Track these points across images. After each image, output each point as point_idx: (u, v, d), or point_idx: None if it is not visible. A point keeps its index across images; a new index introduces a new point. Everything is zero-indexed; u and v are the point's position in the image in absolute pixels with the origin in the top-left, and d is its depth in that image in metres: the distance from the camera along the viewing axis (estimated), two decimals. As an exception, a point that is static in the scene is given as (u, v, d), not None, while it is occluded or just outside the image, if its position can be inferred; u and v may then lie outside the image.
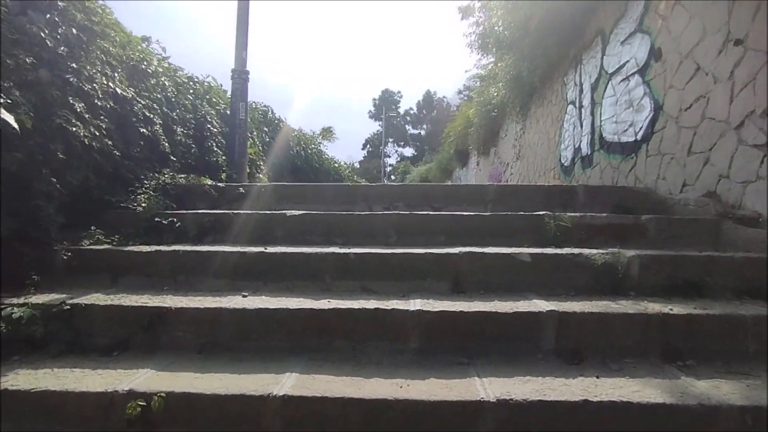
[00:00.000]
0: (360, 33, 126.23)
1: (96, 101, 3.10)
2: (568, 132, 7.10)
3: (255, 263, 2.71)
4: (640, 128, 4.75)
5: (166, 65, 4.55)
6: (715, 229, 2.99)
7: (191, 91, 4.72)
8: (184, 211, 3.35)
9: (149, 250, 2.80)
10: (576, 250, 2.70)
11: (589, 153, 6.19)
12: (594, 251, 2.68)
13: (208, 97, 5.25)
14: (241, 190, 3.66)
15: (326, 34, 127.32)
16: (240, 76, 4.99)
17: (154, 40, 4.53)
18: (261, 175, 6.31)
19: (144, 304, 2.30)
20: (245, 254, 2.73)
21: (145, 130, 3.63)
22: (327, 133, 22.25)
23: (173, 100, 4.21)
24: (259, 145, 6.51)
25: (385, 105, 68.57)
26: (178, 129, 4.19)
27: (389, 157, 71.55)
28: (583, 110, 6.51)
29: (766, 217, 2.92)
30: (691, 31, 3.93)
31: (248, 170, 6.01)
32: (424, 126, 69.97)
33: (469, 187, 3.64)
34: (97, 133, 3.09)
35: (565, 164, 7.14)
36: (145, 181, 3.56)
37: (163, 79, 4.11)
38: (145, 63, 3.86)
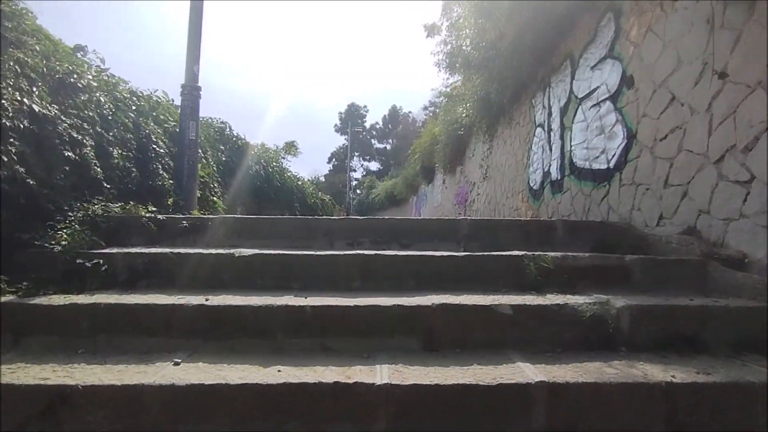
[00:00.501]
0: (327, 45, 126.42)
1: (4, 121, 2.61)
2: (537, 155, 7.00)
3: (194, 318, 2.28)
4: (613, 156, 4.63)
5: (106, 78, 4.06)
6: (701, 271, 2.80)
7: (134, 107, 4.23)
8: (115, 250, 2.87)
9: (63, 302, 2.32)
10: (560, 300, 2.42)
11: (559, 178, 6.07)
12: (580, 300, 2.42)
13: (155, 113, 4.76)
14: (185, 223, 3.20)
15: (294, 45, 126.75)
16: (191, 92, 4.54)
17: (91, 50, 4.04)
18: (215, 198, 5.83)
19: (43, 381, 1.84)
20: (182, 307, 2.30)
21: (71, 154, 3.13)
22: (291, 148, 21.70)
23: (110, 118, 3.72)
24: (214, 166, 6.03)
25: (351, 119, 68.52)
26: (115, 151, 3.69)
27: (355, 171, 71.33)
28: (552, 134, 6.41)
29: (754, 259, 2.76)
30: (665, 59, 3.83)
31: (201, 193, 5.52)
32: (390, 141, 70.34)
33: (440, 222, 3.32)
34: (5, 159, 2.59)
35: (534, 188, 7.02)
36: (70, 213, 3.06)
37: (98, 94, 3.62)
38: (75, 76, 3.37)
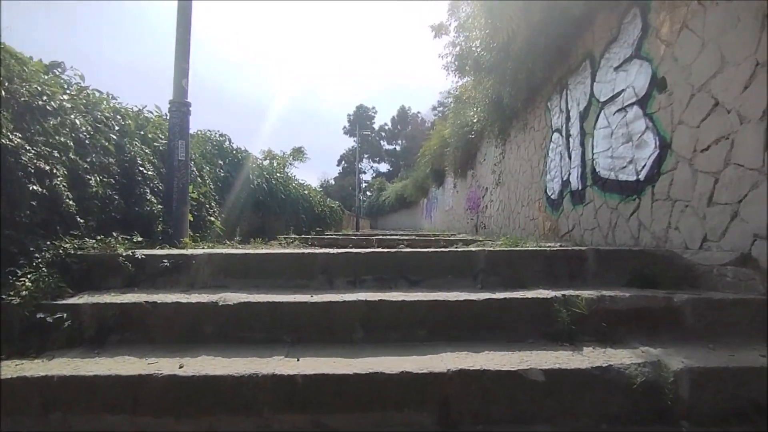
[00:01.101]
0: (335, 46, 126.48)
1: (-49, 158, 2.28)
2: (554, 162, 6.55)
3: (164, 392, 1.92)
4: (643, 167, 4.18)
5: (86, 96, 3.73)
6: (766, 313, 2.36)
7: (117, 128, 3.90)
8: (83, 300, 2.52)
9: (11, 374, 1.97)
10: (602, 359, 2.01)
11: (580, 188, 5.62)
12: (626, 359, 2.01)
13: (142, 132, 4.43)
14: (166, 263, 2.85)
15: (302, 46, 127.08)
16: (179, 109, 4.19)
17: (69, 66, 3.72)
18: (212, 218, 5.49)
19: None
20: (151, 379, 1.93)
21: (38, 187, 2.79)
22: (298, 153, 21.56)
23: (87, 142, 3.38)
24: (211, 184, 5.69)
25: (360, 121, 68.36)
26: (93, 178, 3.36)
27: (364, 173, 71.23)
28: (571, 140, 5.96)
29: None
30: (705, 59, 3.38)
31: (197, 214, 5.19)
32: (399, 141, 70.04)
33: (454, 255, 2.92)
34: (-47, 201, 2.26)
35: (552, 197, 6.57)
36: (37, 255, 2.72)
37: (72, 116, 3.29)
38: (44, 98, 3.04)
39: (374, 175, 70.26)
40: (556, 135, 6.58)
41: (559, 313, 2.34)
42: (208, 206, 5.38)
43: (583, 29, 5.53)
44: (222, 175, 6.25)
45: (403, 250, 2.91)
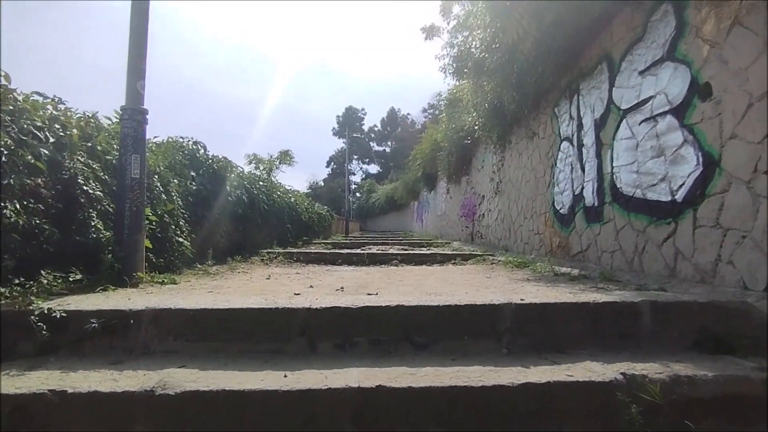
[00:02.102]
0: (323, 47, 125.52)
1: None
2: (564, 173, 5.96)
3: None
4: (681, 186, 3.59)
5: (9, 101, 3.02)
6: None
7: (53, 140, 3.19)
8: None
9: None
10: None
11: (596, 204, 5.02)
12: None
13: (90, 144, 3.71)
14: (95, 323, 2.16)
15: (288, 48, 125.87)
16: (133, 117, 3.49)
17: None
18: (181, 239, 4.78)
19: None
20: None
21: None
22: (285, 157, 20.72)
23: (2, 160, 2.68)
24: (179, 200, 4.97)
25: (349, 122, 67.68)
26: (10, 206, 2.65)
27: (354, 174, 70.60)
28: (584, 150, 5.37)
29: None
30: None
31: (163, 235, 4.47)
32: (389, 143, 69.59)
33: (472, 309, 2.27)
34: None
35: (562, 211, 5.98)
36: None
37: (-16, 130, 2.57)
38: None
39: (364, 176, 69.60)
40: (565, 144, 5.99)
41: (623, 403, 1.71)
42: (174, 226, 4.66)
43: (599, 29, 4.95)
44: (194, 188, 5.53)
45: (404, 304, 2.25)
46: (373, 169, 71.48)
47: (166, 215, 4.51)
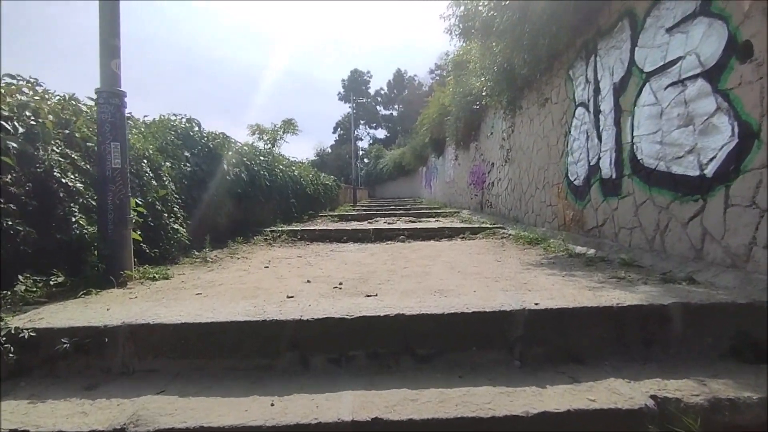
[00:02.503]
0: (327, 8, 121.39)
1: None
2: (579, 142, 5.58)
3: None
4: (712, 159, 3.25)
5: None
6: None
7: (22, 129, 2.93)
8: None
9: None
10: None
11: (613, 176, 4.69)
12: None
13: (68, 131, 3.45)
14: (66, 343, 1.98)
15: (294, 11, 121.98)
16: (108, 100, 3.20)
17: None
18: (177, 226, 4.58)
19: None
20: None
21: None
22: (289, 126, 20.37)
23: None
24: (172, 184, 4.74)
25: (354, 86, 66.15)
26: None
27: (361, 140, 69.72)
28: (601, 117, 4.98)
29: None
30: (826, 18, 2.40)
31: (157, 223, 4.28)
32: (396, 106, 68.23)
33: (480, 317, 2.03)
34: None
35: (576, 183, 5.65)
36: None
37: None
38: None
39: (371, 141, 68.67)
40: (580, 110, 5.58)
41: (654, 436, 1.49)
42: (168, 213, 4.45)
43: (620, -20, 4.46)
44: (189, 170, 5.27)
45: (405, 313, 2.02)
46: (381, 133, 70.37)
47: (158, 202, 4.29)
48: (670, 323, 2.01)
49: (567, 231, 5.82)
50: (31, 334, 1.99)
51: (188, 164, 5.36)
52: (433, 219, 10.94)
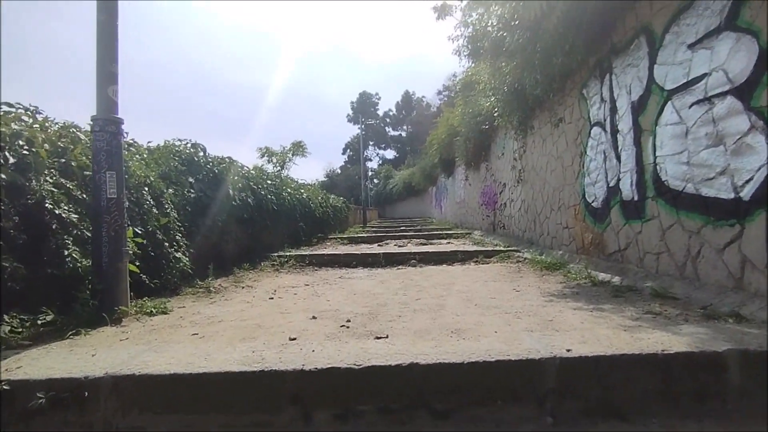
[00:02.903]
0: (335, 32, 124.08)
1: None
2: (596, 163, 5.36)
3: None
4: (748, 181, 3.01)
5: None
6: None
7: (14, 160, 2.80)
8: None
9: None
10: None
11: (635, 198, 4.45)
12: None
13: (64, 160, 3.33)
14: (41, 399, 1.78)
15: (300, 34, 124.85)
16: (105, 128, 3.07)
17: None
18: (179, 255, 4.41)
19: None
20: None
21: None
22: (298, 148, 20.43)
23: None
24: (174, 212, 4.59)
25: (363, 108, 66.92)
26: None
27: (370, 160, 70.07)
28: (620, 137, 4.77)
29: None
30: None
31: (158, 252, 4.11)
32: (405, 127, 68.74)
33: (506, 366, 1.79)
34: None
35: (594, 204, 5.40)
36: None
37: None
38: None
39: (380, 162, 68.97)
40: (596, 130, 5.38)
41: None
42: (169, 243, 4.28)
43: (635, -5, 4.31)
44: (193, 196, 5.14)
45: (420, 362, 1.79)
46: (390, 154, 70.68)
47: (159, 231, 4.14)
48: (726, 373, 1.76)
49: (586, 255, 5.55)
50: (4, 387, 1.80)
51: (192, 190, 5.23)
52: (444, 241, 10.70)
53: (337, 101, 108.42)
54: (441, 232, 12.79)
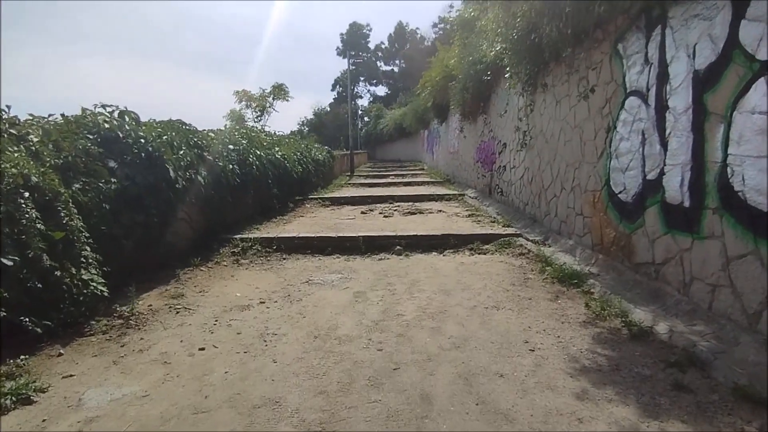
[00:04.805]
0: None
1: None
2: (629, 143, 4.22)
3: None
4: None
5: None
6: None
7: None
8: None
9: None
10: None
11: (686, 204, 3.38)
12: None
13: None
14: None
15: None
16: None
17: None
18: (88, 275, 3.34)
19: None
20: None
21: None
22: (279, 92, 18.61)
23: None
24: (79, 220, 3.45)
25: (354, 40, 62.70)
26: None
27: (361, 97, 67.02)
28: (669, 116, 3.61)
29: None
30: None
31: (55, 277, 3.04)
32: (397, 62, 65.05)
33: None
34: None
35: (622, 197, 4.33)
36: None
37: None
38: None
39: (371, 99, 65.90)
40: (633, 100, 4.18)
41: None
42: (69, 263, 3.18)
43: None
44: (114, 188, 3.96)
45: None
46: (381, 90, 67.28)
47: (46, 254, 3.03)
48: None
49: (605, 255, 4.57)
50: None
51: (114, 179, 4.04)
52: (436, 205, 9.67)
53: (326, 32, 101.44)
54: (432, 193, 11.69)
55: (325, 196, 11.57)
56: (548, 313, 3.38)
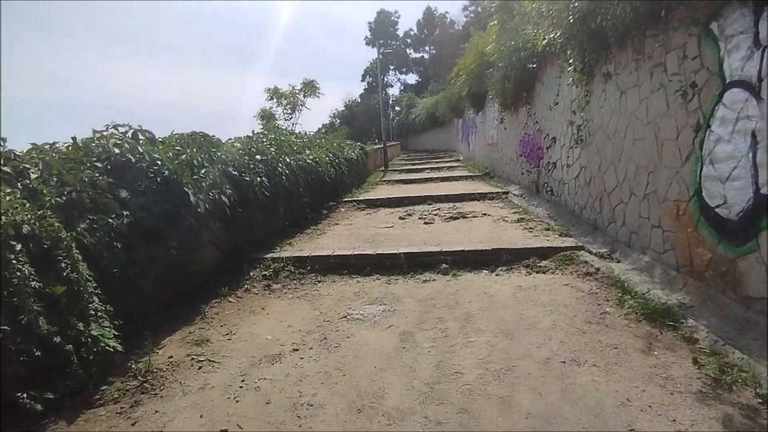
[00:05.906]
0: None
1: None
2: (731, 147, 3.42)
3: None
4: None
5: None
6: None
7: None
8: None
9: None
10: None
11: (829, 231, 2.60)
12: None
13: None
14: None
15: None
16: None
17: None
18: (99, 329, 2.93)
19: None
20: None
21: None
22: (310, 88, 18.13)
23: None
24: (85, 269, 3.04)
25: (382, 28, 61.62)
26: None
27: (391, 86, 66.01)
28: (798, 117, 2.80)
29: None
30: None
31: (60, 337, 2.64)
32: (427, 48, 63.59)
33: None
34: None
35: (722, 213, 3.54)
36: None
37: None
38: None
39: (401, 88, 64.77)
40: (737, 93, 3.36)
41: None
42: (74, 316, 2.78)
43: None
44: (127, 222, 3.55)
45: None
46: (412, 78, 65.97)
47: (42, 318, 2.62)
48: None
49: (699, 281, 3.80)
50: None
51: (126, 212, 3.63)
52: (479, 205, 8.93)
53: (354, 20, 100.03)
54: (473, 191, 10.91)
55: (360, 198, 11.04)
56: (646, 375, 2.68)
